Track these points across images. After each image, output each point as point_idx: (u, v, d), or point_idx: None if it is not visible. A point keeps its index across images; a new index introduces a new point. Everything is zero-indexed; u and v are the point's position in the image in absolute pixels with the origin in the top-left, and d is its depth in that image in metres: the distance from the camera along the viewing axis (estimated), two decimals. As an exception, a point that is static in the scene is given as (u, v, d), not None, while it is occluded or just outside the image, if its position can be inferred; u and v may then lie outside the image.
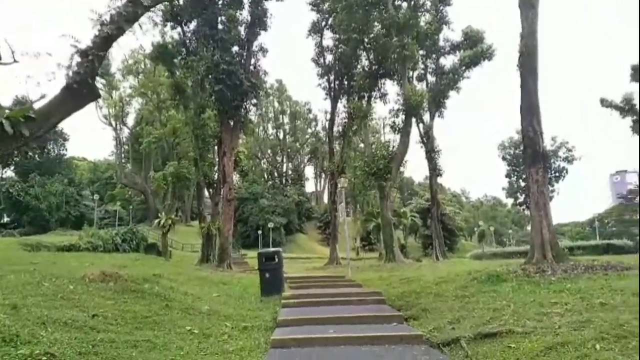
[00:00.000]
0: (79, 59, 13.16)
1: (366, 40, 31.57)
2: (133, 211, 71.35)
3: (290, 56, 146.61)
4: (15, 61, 15.41)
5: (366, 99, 34.33)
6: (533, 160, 13.49)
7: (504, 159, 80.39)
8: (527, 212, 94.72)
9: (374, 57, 33.09)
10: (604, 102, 52.29)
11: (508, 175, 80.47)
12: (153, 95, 56.02)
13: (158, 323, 7.76)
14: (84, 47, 13.24)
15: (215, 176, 36.15)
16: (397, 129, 30.23)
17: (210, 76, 30.21)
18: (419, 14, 31.84)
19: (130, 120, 68.40)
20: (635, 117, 50.23)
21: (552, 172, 75.67)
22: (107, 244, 38.11)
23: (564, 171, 74.08)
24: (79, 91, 12.37)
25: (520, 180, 79.68)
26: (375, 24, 31.08)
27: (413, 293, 11.68)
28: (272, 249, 14.15)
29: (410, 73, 39.16)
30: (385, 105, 35.54)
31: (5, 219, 62.81)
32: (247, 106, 32.26)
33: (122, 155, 72.21)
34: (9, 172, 68.64)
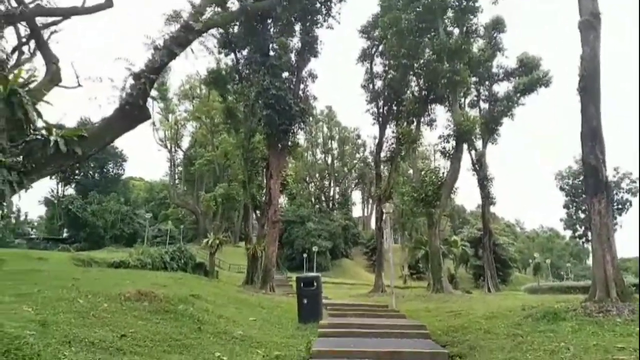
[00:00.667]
0: (132, 82, 13.65)
1: (416, 65, 31.20)
2: (184, 230, 73.32)
3: (340, 82, 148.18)
4: (79, 85, 16.29)
5: (415, 124, 33.78)
6: (595, 189, 12.52)
7: (562, 189, 76.94)
8: (586, 246, 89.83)
9: (423, 83, 32.63)
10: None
11: (566, 206, 76.76)
12: (207, 119, 57.79)
13: (187, 347, 7.56)
14: (138, 70, 13.77)
15: (263, 198, 36.51)
16: (448, 154, 29.38)
17: (260, 101, 30.77)
18: (472, 39, 31.10)
19: (185, 143, 71.06)
20: None
21: (615, 204, 71.55)
22: (156, 261, 38.87)
23: (628, 203, 69.87)
24: (130, 112, 12.78)
25: (580, 212, 75.78)
26: (426, 49, 30.70)
27: (460, 328, 10.94)
28: (311, 274, 13.79)
29: (462, 100, 38.37)
30: (432, 131, 34.79)
31: (64, 235, 65.91)
32: (295, 130, 32.51)
33: (176, 177, 74.62)
34: (70, 190, 72.27)
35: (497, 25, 41.75)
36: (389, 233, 19.28)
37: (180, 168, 77.42)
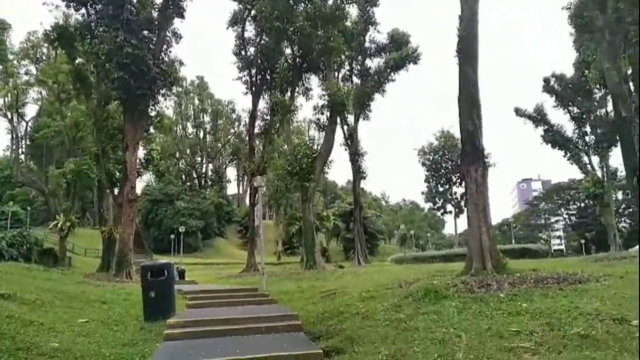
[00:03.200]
0: None
1: (290, 30, 29.34)
2: (34, 213, 63.99)
3: (214, 51, 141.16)
4: None
5: (289, 93, 32.15)
6: (472, 157, 11.96)
7: (423, 164, 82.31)
8: (442, 217, 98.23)
9: (298, 49, 30.97)
10: (518, 112, 54.42)
11: (427, 180, 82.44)
12: (54, 84, 49.95)
13: None
14: None
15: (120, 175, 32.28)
16: (322, 126, 28.35)
17: (113, 61, 26.44)
18: (346, 7, 30.02)
19: (32, 112, 61.23)
20: (546, 127, 52.66)
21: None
22: (-12, 249, 32.76)
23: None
24: None
25: (439, 185, 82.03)
26: (300, 15, 28.96)
27: (336, 313, 9.54)
28: (160, 262, 11.42)
29: (336, 73, 37.62)
30: (308, 101, 33.62)
31: None
32: (156, 96, 28.74)
33: (21, 151, 64.37)
34: None
35: (370, -2, 41.63)
36: (259, 208, 17.44)
37: (28, 142, 67.19)
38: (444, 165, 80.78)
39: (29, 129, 64.15)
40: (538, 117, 52.12)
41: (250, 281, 21.28)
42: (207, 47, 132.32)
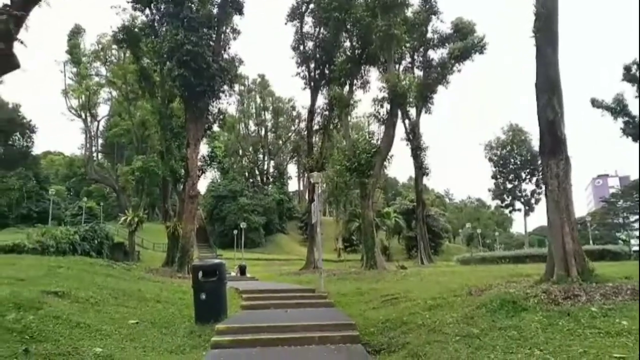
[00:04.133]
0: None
1: (349, 21, 28.41)
2: (107, 208, 67.62)
3: (274, 50, 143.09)
4: None
5: (347, 87, 31.30)
6: (553, 149, 10.56)
7: (490, 159, 78.62)
8: (510, 215, 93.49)
9: (357, 40, 30.00)
10: (595, 103, 50.22)
11: (494, 177, 78.64)
12: (123, 84, 52.17)
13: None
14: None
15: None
16: (382, 119, 27.24)
17: (173, 59, 26.91)
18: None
19: (104, 111, 64.66)
20: (626, 119, 48.32)
21: (540, 174, 74.09)
22: (62, 243, 34.31)
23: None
24: None
25: (507, 182, 78.01)
26: (360, 4, 27.96)
27: (399, 322, 8.65)
28: (212, 262, 11.01)
29: (396, 66, 36.26)
30: (366, 93, 32.57)
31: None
32: (217, 93, 28.91)
33: (94, 149, 68.12)
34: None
35: (433, -14, 39.84)
36: (316, 205, 16.79)
37: (100, 140, 71.02)
38: (512, 160, 76.88)
39: (101, 128, 67.91)
40: (617, 109, 47.99)
41: (309, 280, 20.72)
42: (266, 43, 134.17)
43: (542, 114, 10.85)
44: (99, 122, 60.45)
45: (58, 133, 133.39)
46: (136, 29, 33.53)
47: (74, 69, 56.53)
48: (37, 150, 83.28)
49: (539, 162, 74.34)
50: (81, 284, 11.53)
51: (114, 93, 56.48)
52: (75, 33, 56.13)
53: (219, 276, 9.51)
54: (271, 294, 14.00)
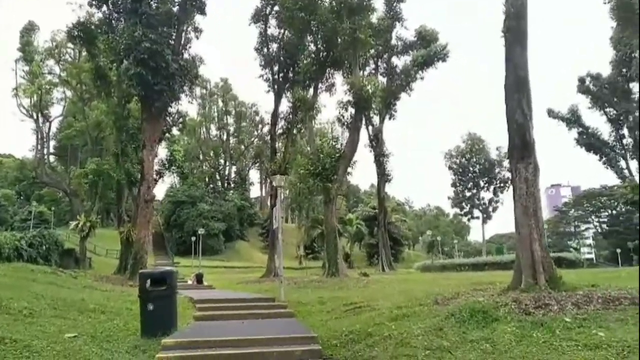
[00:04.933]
0: None
1: (314, 22, 27.94)
2: (61, 213, 64.42)
3: (238, 55, 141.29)
4: None
5: (312, 90, 30.82)
6: (522, 152, 10.33)
7: (450, 168, 79.98)
8: (468, 223, 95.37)
9: (322, 43, 29.56)
10: (551, 113, 51.82)
11: (454, 185, 79.99)
12: (77, 84, 49.82)
13: None
14: None
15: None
16: (346, 123, 26.85)
17: (130, 56, 25.64)
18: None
19: (57, 112, 61.59)
20: (580, 130, 50.08)
21: (498, 182, 76.04)
22: (5, 250, 32.10)
23: (509, 182, 74.21)
24: None
25: (466, 190, 79.49)
26: (325, 4, 27.54)
27: (363, 334, 8.06)
28: (161, 269, 10.10)
29: (361, 72, 36.17)
30: (332, 96, 32.21)
31: None
32: (177, 93, 27.75)
33: (45, 152, 64.80)
34: None
35: (398, -7, 40.08)
36: (278, 209, 16.09)
37: (53, 142, 67.74)
38: (471, 169, 78.46)
39: (54, 129, 64.64)
40: (572, 119, 49.67)
41: (269, 288, 19.94)
42: (229, 45, 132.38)
43: (511, 116, 10.62)
44: (50, 122, 57.51)
45: (9, 134, 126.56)
46: (92, 26, 32.03)
47: (26, 67, 53.68)
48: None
49: (497, 170, 76.50)
50: (16, 293, 10.39)
51: (68, 93, 53.92)
52: (29, 30, 53.39)
53: (169, 285, 8.66)
54: (227, 304, 13.18)
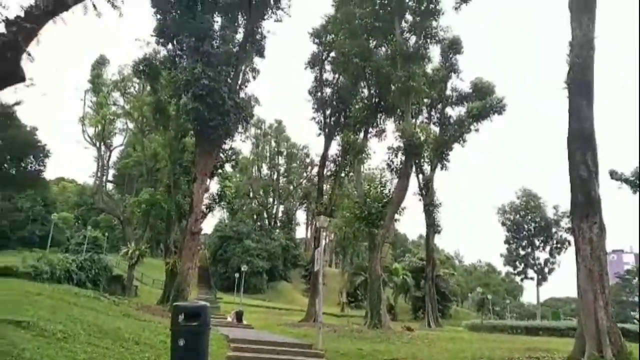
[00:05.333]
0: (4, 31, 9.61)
1: (368, 69, 28.26)
2: (114, 239, 66.74)
3: (292, 98, 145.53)
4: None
5: (362, 133, 30.84)
6: (585, 210, 9.57)
7: (503, 224, 76.66)
8: (521, 283, 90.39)
9: (375, 89, 29.76)
10: (614, 175, 49.10)
11: (507, 242, 76.40)
12: (139, 116, 52.52)
13: None
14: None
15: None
16: (395, 169, 26.42)
17: (189, 92, 26.78)
18: (429, 46, 28.45)
19: (119, 142, 65.01)
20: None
21: (555, 243, 72.01)
22: (57, 271, 33.22)
23: (567, 243, 70.40)
24: None
25: (520, 248, 75.68)
26: (380, 51, 27.91)
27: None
28: (195, 303, 9.77)
29: (413, 120, 36.05)
30: (381, 141, 32.05)
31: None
32: (230, 130, 28.48)
33: (105, 179, 68.06)
34: (-20, 185, 64.03)
35: (454, 45, 40.22)
36: (321, 252, 15.68)
37: (113, 171, 71.14)
38: (525, 226, 74.95)
39: (115, 158, 67.98)
40: (637, 182, 46.83)
41: (307, 333, 19.25)
42: (284, 87, 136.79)
43: (575, 171, 9.94)
44: (111, 151, 60.58)
45: (74, 161, 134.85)
46: (157, 62, 33.84)
47: (94, 99, 57.28)
48: (50, 175, 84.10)
49: (553, 230, 72.63)
50: (54, 315, 10.45)
51: (130, 125, 56.82)
52: (100, 63, 57.25)
53: (202, 320, 8.35)
54: (263, 346, 12.73)
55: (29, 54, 10.60)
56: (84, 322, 10.86)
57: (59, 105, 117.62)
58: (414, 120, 36.05)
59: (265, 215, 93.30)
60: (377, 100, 29.87)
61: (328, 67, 35.37)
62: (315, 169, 73.22)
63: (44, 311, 10.47)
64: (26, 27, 9.79)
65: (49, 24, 9.12)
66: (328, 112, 34.50)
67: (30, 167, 67.49)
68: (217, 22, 29.87)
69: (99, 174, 58.91)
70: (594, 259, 9.25)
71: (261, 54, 30.65)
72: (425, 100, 37.12)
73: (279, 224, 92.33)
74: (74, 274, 34.75)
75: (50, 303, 12.12)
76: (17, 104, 54.05)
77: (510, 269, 79.40)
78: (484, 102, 41.28)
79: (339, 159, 33.38)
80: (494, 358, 9.93)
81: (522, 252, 75.05)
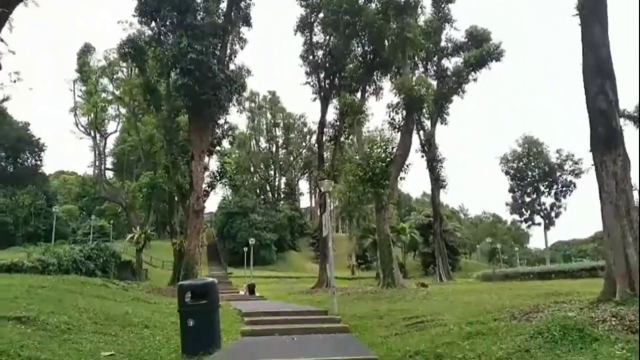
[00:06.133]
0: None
1: (359, 25, 27.10)
2: (120, 226, 66.69)
3: (283, 66, 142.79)
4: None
5: (359, 93, 29.91)
6: (607, 143, 8.89)
7: (506, 173, 76.27)
8: (527, 230, 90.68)
9: (368, 45, 28.66)
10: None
11: (512, 190, 76.16)
12: (130, 100, 51.35)
13: None
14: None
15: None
16: (397, 126, 25.65)
17: (177, 68, 25.84)
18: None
19: (113, 128, 64.07)
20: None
21: (560, 186, 71.73)
22: (64, 262, 32.95)
23: (572, 185, 70.07)
24: None
25: (525, 195, 75.47)
26: (371, 5, 26.69)
27: (432, 356, 6.92)
28: (201, 280, 9.30)
29: (410, 75, 35.02)
30: (379, 100, 31.10)
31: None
32: (224, 103, 27.65)
33: (103, 167, 67.40)
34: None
35: (447, -6, 38.76)
36: (327, 217, 15.19)
37: (111, 158, 70.44)
38: (529, 173, 74.51)
39: (111, 146, 67.15)
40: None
41: (321, 299, 18.99)
42: (274, 56, 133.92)
43: (593, 103, 9.21)
44: (106, 139, 59.68)
45: (71, 153, 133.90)
46: (142, 42, 32.68)
47: (84, 87, 56.02)
48: (50, 169, 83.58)
49: (558, 174, 72.05)
50: (57, 307, 10.01)
51: (122, 110, 55.77)
52: (85, 52, 55.80)
53: (211, 298, 7.89)
54: (277, 317, 12.38)
55: (1, 40, 9.79)
56: (90, 311, 10.44)
57: (49, 98, 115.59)
58: (411, 75, 35.09)
59: (268, 188, 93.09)
60: (371, 57, 28.84)
61: (318, 29, 34.10)
62: (314, 137, 72.41)
63: (47, 304, 10.03)
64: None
65: (24, 10, 8.43)
66: (322, 75, 33.44)
67: (27, 162, 67.22)
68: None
69: (97, 163, 58.30)
70: (620, 192, 8.68)
71: (248, 23, 29.61)
72: (421, 53, 35.99)
73: (282, 196, 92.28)
74: (81, 263, 34.49)
75: (54, 295, 11.68)
76: (5, 99, 52.82)
77: (517, 217, 79.62)
78: (480, 50, 40.16)
79: (337, 123, 32.56)
80: (517, 306, 9.49)
81: (527, 199, 74.96)
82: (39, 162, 68.78)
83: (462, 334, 7.72)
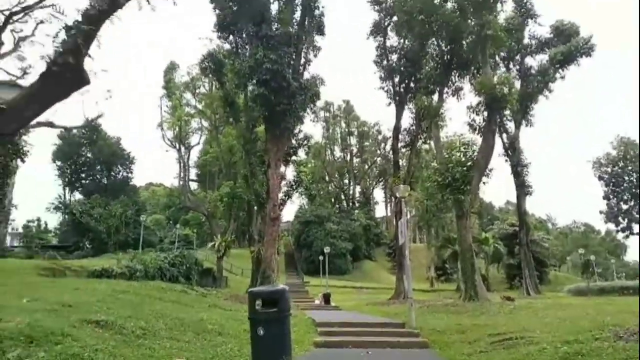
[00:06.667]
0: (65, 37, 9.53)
1: (435, 25, 26.05)
2: (203, 235, 69.81)
3: (358, 74, 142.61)
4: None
5: (437, 95, 28.74)
6: None
7: (600, 178, 70.27)
8: (625, 240, 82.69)
9: (445, 44, 27.49)
10: None
11: (606, 197, 70.04)
12: (212, 113, 53.77)
13: None
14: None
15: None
16: (478, 127, 24.23)
17: (253, 79, 26.45)
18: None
19: (196, 141, 67.54)
20: None
21: None
22: (150, 269, 34.73)
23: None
24: (60, 75, 8.64)
25: (622, 203, 69.06)
26: (447, 3, 25.59)
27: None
28: (273, 288, 9.00)
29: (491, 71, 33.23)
30: (460, 100, 29.58)
31: (70, 242, 62.94)
32: (299, 112, 27.87)
33: (187, 178, 71.13)
34: (77, 196, 69.67)
35: (528, -13, 36.53)
36: (403, 224, 14.46)
37: (195, 170, 74.16)
38: (626, 178, 68.08)
39: (195, 157, 70.67)
40: None
41: (397, 311, 18.19)
42: (348, 63, 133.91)
43: None
44: (190, 151, 62.78)
45: (159, 165, 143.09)
46: (221, 56, 33.94)
47: (169, 103, 59.55)
48: (140, 181, 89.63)
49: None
50: (136, 312, 10.24)
51: (205, 123, 58.48)
52: (171, 69, 59.45)
53: (281, 306, 7.57)
54: (352, 328, 11.91)
55: (90, 56, 10.28)
56: (167, 317, 10.59)
57: (138, 113, 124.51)
58: (492, 74, 33.38)
59: (342, 197, 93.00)
60: (449, 57, 27.57)
61: (391, 34, 33.49)
62: (389, 144, 71.21)
63: (126, 309, 10.30)
64: (84, 30, 9.45)
65: (108, 26, 8.74)
66: (397, 79, 32.62)
67: (119, 175, 72.57)
68: (272, 3, 29.36)
69: (182, 175, 61.50)
70: None
71: (321, 32, 29.79)
72: (502, 52, 34.12)
73: (357, 205, 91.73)
74: (166, 270, 36.11)
75: (134, 299, 12.07)
76: (100, 116, 57.31)
77: (612, 226, 73.08)
78: (568, 46, 37.33)
79: (413, 127, 31.56)
80: (620, 324, 8.28)
81: (624, 207, 68.60)
82: (130, 175, 73.98)
83: (558, 355, 6.78)
